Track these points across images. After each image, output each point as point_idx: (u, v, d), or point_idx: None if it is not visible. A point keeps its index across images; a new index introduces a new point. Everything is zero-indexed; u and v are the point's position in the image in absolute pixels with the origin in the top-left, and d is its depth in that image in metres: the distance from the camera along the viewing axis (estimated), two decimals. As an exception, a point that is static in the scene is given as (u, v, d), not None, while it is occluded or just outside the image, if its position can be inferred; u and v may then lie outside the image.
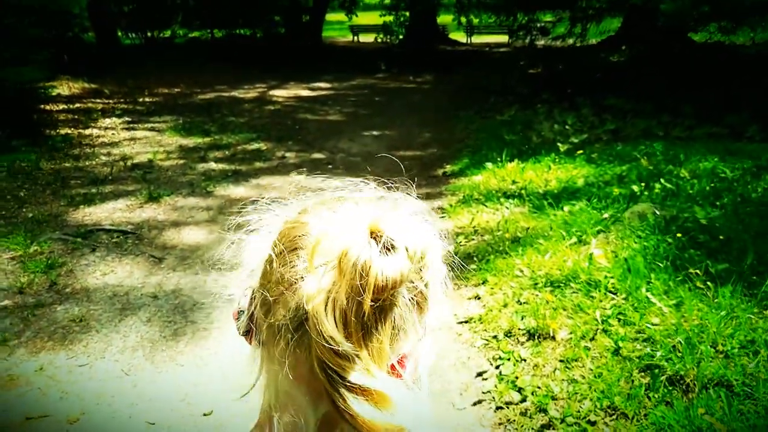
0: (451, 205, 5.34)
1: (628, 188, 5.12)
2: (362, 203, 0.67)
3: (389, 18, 20.80)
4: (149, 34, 18.35)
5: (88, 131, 8.97)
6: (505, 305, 3.36)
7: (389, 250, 0.59)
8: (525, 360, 2.90)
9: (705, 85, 9.92)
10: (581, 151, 6.33)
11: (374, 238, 0.59)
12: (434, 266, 0.67)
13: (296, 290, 0.59)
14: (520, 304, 3.35)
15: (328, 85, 13.16)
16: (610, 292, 3.26)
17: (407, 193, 0.74)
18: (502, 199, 5.26)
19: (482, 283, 3.70)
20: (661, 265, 3.38)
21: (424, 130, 9.17)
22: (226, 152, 7.86)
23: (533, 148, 7.13)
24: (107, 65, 13.76)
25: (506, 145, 7.59)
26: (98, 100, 11.11)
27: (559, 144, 6.58)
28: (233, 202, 5.64)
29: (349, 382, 0.57)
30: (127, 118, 9.83)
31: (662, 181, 5.09)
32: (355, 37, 22.64)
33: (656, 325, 2.88)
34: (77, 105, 10.71)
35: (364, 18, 23.81)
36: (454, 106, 10.98)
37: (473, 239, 4.47)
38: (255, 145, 8.23)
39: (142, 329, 3.42)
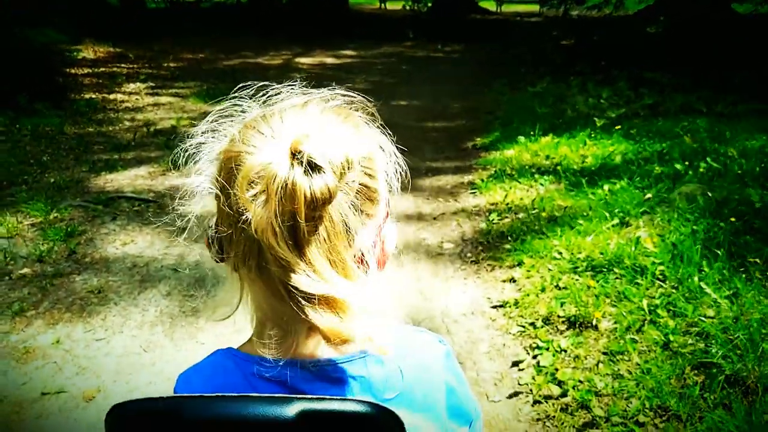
0: (482, 180, 5.09)
1: (670, 167, 4.82)
2: (287, 117, 0.67)
3: (418, -15, 20.24)
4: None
5: (112, 96, 8.83)
6: (543, 290, 3.14)
7: (313, 169, 0.60)
8: (565, 350, 2.69)
9: (749, 60, 9.42)
10: (619, 127, 6.01)
11: (297, 159, 0.60)
12: (369, 165, 0.69)
13: (245, 222, 0.62)
14: (559, 289, 3.13)
15: (354, 53, 12.84)
16: (658, 279, 3.02)
17: (343, 95, 0.73)
18: (536, 175, 4.99)
19: (518, 265, 3.47)
20: (714, 251, 3.12)
21: (453, 101, 8.86)
22: (251, 120, 7.67)
23: (567, 122, 6.81)
24: (132, 29, 13.56)
25: (538, 118, 7.27)
26: (123, 65, 10.96)
27: (595, 119, 6.25)
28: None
29: (308, 294, 0.61)
30: (151, 83, 9.67)
31: (708, 160, 4.78)
32: (382, 5, 22.11)
33: (711, 318, 2.65)
34: (102, 69, 10.56)
35: (391, -15, 23.24)
36: (483, 76, 10.62)
37: (507, 217, 4.23)
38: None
39: (162, 303, 3.27)
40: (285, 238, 0.61)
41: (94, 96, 8.77)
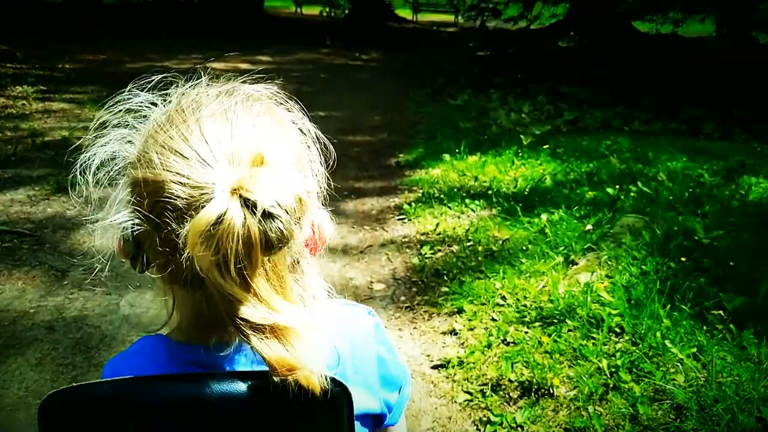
0: (410, 205, 4.65)
1: (602, 191, 4.58)
2: (210, 134, 0.62)
3: (335, -9, 19.70)
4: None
5: (-7, 100, 7.74)
6: (489, 345, 2.72)
7: (268, 217, 0.58)
8: (521, 426, 2.27)
9: (656, 76, 9.59)
10: (546, 146, 5.76)
11: (249, 209, 0.57)
12: (309, 200, 0.66)
13: (186, 258, 0.58)
14: (507, 344, 2.72)
15: (269, 59, 12.13)
16: (616, 333, 2.68)
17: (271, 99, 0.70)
18: (467, 200, 4.61)
19: (458, 312, 3.04)
20: (669, 298, 2.82)
21: (373, 112, 8.41)
22: (155, 131, 6.88)
23: (492, 138, 6.52)
24: (22, 26, 12.21)
25: (462, 133, 6.96)
26: (8, 65, 9.73)
27: (522, 137, 5.99)
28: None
29: (254, 324, 0.59)
30: (41, 87, 8.59)
31: (639, 184, 4.57)
32: (298, 9, 21.40)
33: (680, 385, 2.31)
34: (-17, 69, 9.34)
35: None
36: (403, 86, 10.25)
37: (440, 250, 3.81)
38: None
39: (29, 376, 2.58)
40: (233, 278, 0.58)
41: (-29, 100, 7.66)
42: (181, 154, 0.61)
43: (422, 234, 4.09)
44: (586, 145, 5.91)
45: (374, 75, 11.27)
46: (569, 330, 2.73)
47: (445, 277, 3.40)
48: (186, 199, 0.59)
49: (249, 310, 0.59)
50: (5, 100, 7.82)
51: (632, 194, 4.49)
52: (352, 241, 4.09)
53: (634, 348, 2.54)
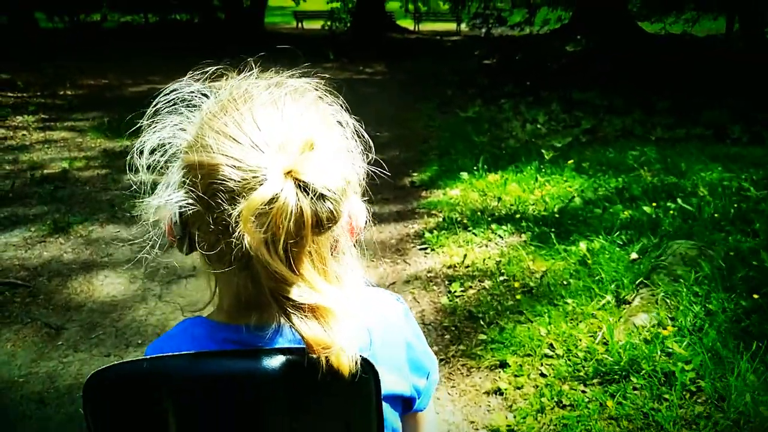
0: (431, 231, 4.26)
1: (638, 210, 4.19)
2: (262, 121, 0.64)
3: (336, 4, 19.40)
4: (74, 17, 16.37)
5: (-7, 132, 7.42)
6: (542, 409, 2.32)
7: (320, 198, 0.60)
8: None
9: (671, 78, 9.18)
10: (571, 161, 5.37)
11: (302, 190, 0.59)
12: (355, 184, 0.69)
13: (237, 237, 0.59)
14: (563, 407, 2.33)
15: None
16: (691, 391, 2.28)
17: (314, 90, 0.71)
18: (493, 225, 4.22)
19: (500, 367, 2.65)
20: (746, 345, 2.41)
21: (382, 128, 8.03)
22: (158, 159, 6.52)
23: (510, 153, 6.14)
24: (23, 52, 11.94)
25: (477, 148, 6.58)
26: (9, 94, 9.43)
27: (543, 151, 5.60)
28: (164, 232, 4.39)
29: (296, 302, 0.61)
30: (42, 115, 8.28)
31: (679, 201, 4.18)
32: (299, 24, 21.14)
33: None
34: (-17, 99, 9.03)
35: (308, 4, 22.33)
36: (410, 99, 9.89)
37: (471, 287, 3.41)
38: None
39: (15, 468, 2.22)
40: (281, 256, 0.59)
41: (-30, 132, 7.35)
42: (235, 140, 0.63)
43: (449, 267, 3.69)
44: (612, 157, 5.51)
45: (380, 88, 10.91)
46: (635, 389, 2.33)
47: (481, 321, 3.00)
48: (239, 181, 0.61)
49: (293, 289, 0.61)
50: (5, 131, 7.50)
51: (672, 212, 4.09)
52: (373, 276, 3.70)
53: (719, 414, 2.14)
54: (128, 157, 0.72)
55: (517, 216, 4.31)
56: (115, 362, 0.61)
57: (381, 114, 8.88)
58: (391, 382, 0.74)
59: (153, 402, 0.61)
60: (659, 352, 2.42)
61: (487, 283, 3.42)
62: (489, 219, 4.36)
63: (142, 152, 0.71)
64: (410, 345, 0.81)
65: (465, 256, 3.71)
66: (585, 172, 5.24)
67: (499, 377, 2.58)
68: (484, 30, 13.08)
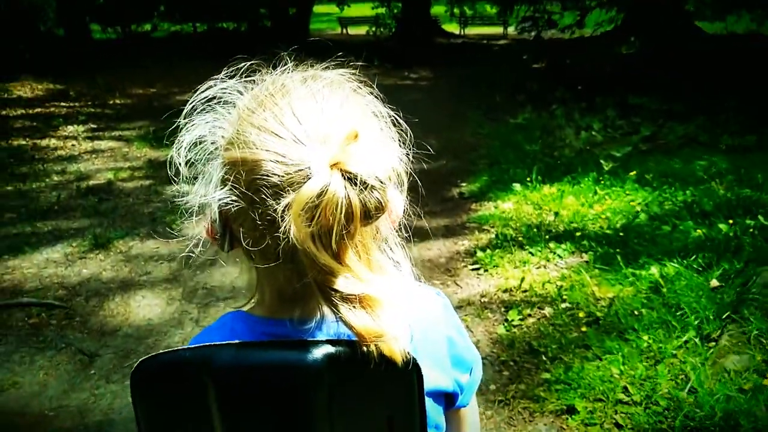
0: (483, 250, 3.96)
1: (712, 227, 3.80)
2: (302, 115, 0.64)
3: (381, 10, 19.20)
4: (126, 28, 16.69)
5: (45, 141, 7.49)
6: (621, 469, 2.01)
7: (366, 187, 0.59)
8: None
9: (735, 81, 8.58)
10: (633, 173, 4.97)
11: (350, 181, 0.59)
12: (399, 170, 0.68)
13: (281, 231, 0.59)
14: (646, 468, 2.01)
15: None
16: (802, 457, 1.93)
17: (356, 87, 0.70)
18: (551, 243, 3.89)
19: (568, 412, 2.34)
20: None
21: (428, 136, 7.67)
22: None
23: (565, 163, 5.77)
24: (77, 63, 12.16)
25: (528, 157, 6.24)
26: (63, 104, 9.57)
27: (601, 161, 5.22)
28: (205, 246, 4.23)
29: (343, 294, 0.60)
30: (92, 125, 8.34)
31: (761, 218, 3.76)
32: (344, 30, 21.05)
33: None
34: (38, 109, 9.18)
35: (353, 10, 22.24)
36: (458, 105, 9.58)
37: (530, 315, 3.10)
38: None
39: None
40: (326, 248, 0.59)
41: (24, 142, 7.43)
42: (276, 135, 0.63)
43: (504, 291, 3.39)
44: (678, 168, 5.08)
45: (425, 94, 10.63)
46: (732, 450, 1.99)
47: (543, 357, 2.69)
48: (283, 176, 0.61)
49: (340, 281, 0.61)
50: (56, 141, 7.57)
51: (752, 230, 3.68)
52: (421, 301, 3.43)
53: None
54: (169, 157, 0.70)
55: (577, 234, 3.96)
56: (163, 351, 0.62)
57: (427, 121, 8.59)
58: (433, 378, 0.73)
59: (196, 390, 0.61)
60: (763, 408, 2.07)
61: (548, 311, 3.10)
62: (546, 236, 4.03)
63: (179, 150, 0.70)
64: (451, 340, 0.80)
65: (522, 279, 3.40)
66: (648, 184, 4.84)
67: (567, 425, 2.27)
68: (533, 33, 12.61)
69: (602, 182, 4.97)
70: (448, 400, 0.80)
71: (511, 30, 17.63)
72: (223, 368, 0.60)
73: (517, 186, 5.17)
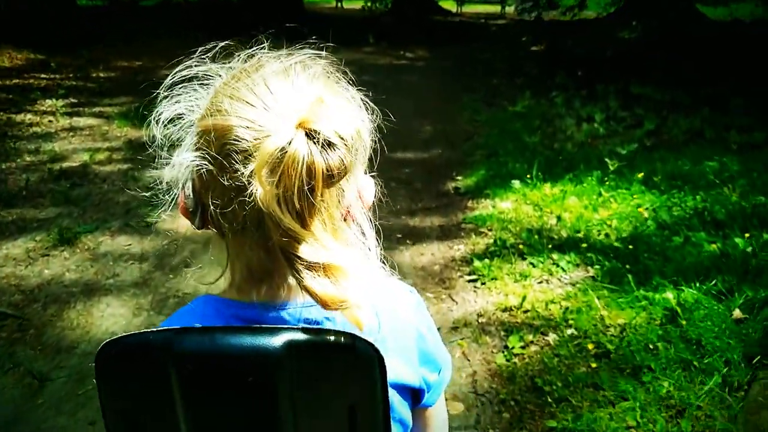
0: (481, 258, 3.62)
1: (727, 241, 3.48)
2: (274, 87, 0.65)
3: (378, -16, 18.52)
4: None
5: (20, 116, 7.03)
6: None
7: (329, 146, 0.60)
8: None
9: (741, 70, 8.21)
10: (641, 174, 4.63)
11: (313, 139, 0.59)
12: (365, 137, 0.68)
13: (248, 195, 0.60)
14: None
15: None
16: None
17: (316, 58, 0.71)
18: (553, 254, 3.56)
19: (578, 473, 2.03)
20: None
21: (423, 121, 7.37)
22: (185, 152, 6.01)
23: (567, 158, 5.42)
24: (60, 32, 11.55)
25: (528, 149, 5.88)
26: (42, 75, 9.05)
27: (607, 160, 4.87)
28: (178, 246, 3.87)
29: (307, 261, 0.61)
30: (72, 99, 7.85)
31: (780, 233, 3.44)
32: (339, 4, 20.37)
33: None
34: (15, 81, 8.65)
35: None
36: (454, 89, 9.15)
37: (532, 341, 2.78)
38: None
39: None
40: (291, 211, 0.60)
41: (-3, 117, 6.96)
42: (247, 103, 0.64)
43: (504, 310, 3.06)
44: (687, 169, 4.74)
45: (421, 76, 10.18)
46: None
47: (549, 398, 2.37)
48: (251, 141, 0.62)
49: (304, 248, 0.61)
50: (33, 116, 7.10)
51: (771, 245, 3.36)
52: (412, 318, 3.10)
53: None
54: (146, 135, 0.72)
55: (582, 244, 3.63)
56: (127, 333, 0.61)
57: (422, 105, 8.19)
58: (399, 370, 0.74)
59: (158, 374, 0.59)
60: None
61: (552, 338, 2.77)
62: (548, 245, 3.70)
63: (157, 123, 0.72)
64: (421, 336, 0.79)
65: (524, 297, 3.07)
66: (656, 186, 4.50)
67: (577, 489, 1.96)
68: (534, 15, 12.10)
69: (607, 183, 4.63)
70: (414, 396, 0.79)
71: (509, 9, 17.07)
72: (186, 353, 0.59)
73: (516, 183, 4.82)
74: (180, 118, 0.70)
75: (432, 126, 7.25)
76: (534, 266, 3.47)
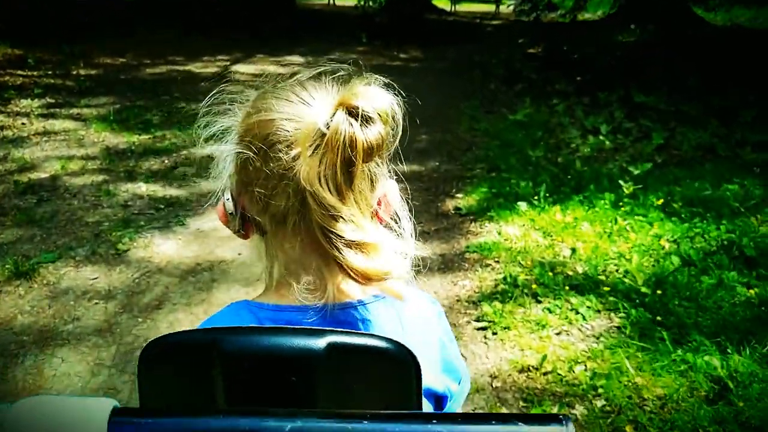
0: (489, 299, 3.18)
1: (761, 282, 3.07)
2: (310, 88, 0.71)
3: (371, -18, 17.95)
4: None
5: (-9, 118, 6.49)
6: None
7: (367, 120, 0.63)
8: None
9: (749, 79, 7.81)
10: (660, 201, 4.20)
11: (352, 114, 0.63)
12: (398, 118, 0.71)
13: (291, 178, 0.65)
14: None
15: (301, 60, 10.64)
16: None
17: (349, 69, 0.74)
18: (572, 298, 3.13)
19: None
20: None
21: (419, 130, 6.89)
22: (166, 161, 5.52)
23: (575, 177, 4.99)
24: (41, 25, 10.92)
25: (531, 164, 5.46)
26: (19, 72, 8.47)
27: (621, 182, 4.45)
28: (151, 281, 3.39)
29: (345, 239, 0.64)
30: (49, 100, 7.31)
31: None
32: (331, 1, 19.77)
33: None
34: (-10, 78, 8.09)
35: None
36: (450, 93, 8.69)
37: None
38: (205, 149, 5.87)
39: None
40: (330, 187, 0.63)
41: (-34, 119, 6.42)
42: (287, 100, 0.69)
43: (521, 371, 2.62)
44: (708, 195, 4.33)
45: (416, 78, 9.68)
46: None
47: (584, 501, 1.95)
48: (293, 131, 0.66)
49: (343, 226, 0.64)
50: (4, 118, 6.57)
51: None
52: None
53: None
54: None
55: (603, 287, 3.20)
56: (172, 332, 0.62)
57: (418, 111, 7.54)
58: (427, 377, 0.71)
59: (202, 372, 0.60)
60: None
61: (580, 411, 2.34)
62: (564, 284, 3.27)
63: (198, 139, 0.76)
64: (444, 344, 0.81)
65: (544, 357, 2.63)
66: (675, 213, 4.09)
67: None
68: (533, 16, 11.63)
69: (622, 208, 4.20)
70: (437, 403, 0.80)
71: (503, 8, 16.59)
72: (231, 352, 0.59)
73: (522, 205, 4.39)
74: (222, 131, 0.75)
75: (429, 135, 6.79)
76: (551, 312, 3.04)
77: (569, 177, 4.95)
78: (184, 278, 3.46)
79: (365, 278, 0.63)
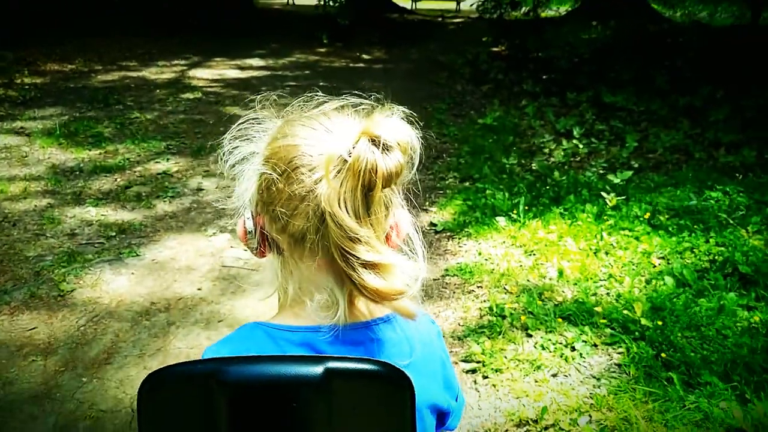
0: (474, 334, 2.88)
1: (761, 303, 2.86)
2: (333, 117, 0.74)
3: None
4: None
5: None
6: None
7: (388, 149, 0.66)
8: None
9: (719, 77, 7.68)
10: (647, 214, 3.97)
11: (374, 142, 0.65)
12: (415, 149, 0.74)
13: (312, 199, 0.68)
14: None
15: (261, 63, 10.16)
16: None
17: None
18: (566, 330, 2.85)
19: None
20: None
21: (387, 136, 6.57)
22: (118, 180, 5.04)
23: (552, 186, 4.73)
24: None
25: (505, 172, 5.19)
26: (-44, 82, 7.80)
27: (604, 195, 4.20)
28: (98, 327, 2.97)
29: (362, 259, 0.66)
30: (-11, 113, 6.70)
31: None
32: (291, 0, 19.22)
33: None
34: None
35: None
36: (417, 96, 8.35)
37: (564, 482, 2.06)
38: (161, 164, 5.42)
39: None
40: (349, 210, 0.65)
41: None
42: (312, 128, 0.72)
43: (518, 425, 2.32)
44: (692, 204, 4.11)
45: (380, 80, 9.33)
46: None
47: None
48: (317, 156, 0.69)
49: (359, 247, 0.65)
50: (-62, 134, 5.95)
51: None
52: None
53: None
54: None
55: (598, 318, 2.93)
56: (171, 364, 0.61)
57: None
58: (431, 391, 0.77)
59: (203, 403, 0.59)
60: None
61: (590, 478, 2.06)
62: (555, 314, 2.99)
63: (223, 164, 0.77)
64: (443, 363, 0.83)
65: (544, 409, 2.33)
66: (661, 226, 3.86)
67: None
68: (496, 15, 11.41)
69: (606, 221, 3.96)
70: (440, 418, 0.81)
71: (464, 6, 16.35)
72: (231, 381, 0.58)
73: (501, 220, 4.10)
74: (246, 156, 0.76)
75: (397, 141, 6.46)
76: (544, 348, 2.75)
77: (547, 187, 4.69)
78: (137, 322, 3.05)
79: (380, 297, 0.65)
